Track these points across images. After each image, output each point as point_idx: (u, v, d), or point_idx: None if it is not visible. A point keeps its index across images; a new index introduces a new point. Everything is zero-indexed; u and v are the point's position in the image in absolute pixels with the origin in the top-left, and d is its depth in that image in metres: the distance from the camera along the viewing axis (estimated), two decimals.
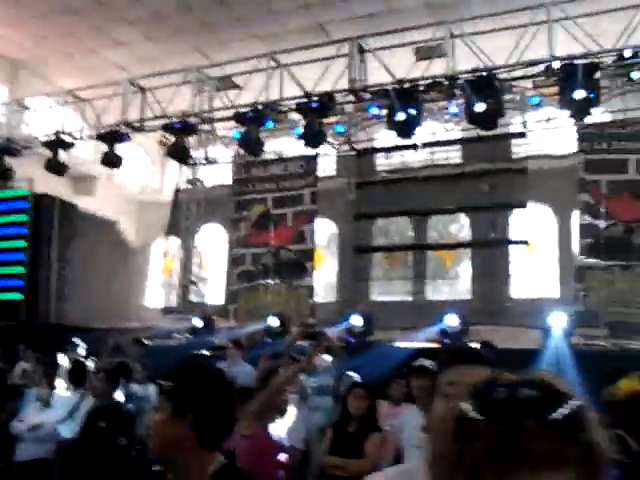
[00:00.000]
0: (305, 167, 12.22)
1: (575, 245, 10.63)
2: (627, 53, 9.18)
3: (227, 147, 13.77)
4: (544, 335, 8.67)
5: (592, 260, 9.87)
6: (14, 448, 6.24)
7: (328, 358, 7.27)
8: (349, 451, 5.13)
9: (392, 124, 10.05)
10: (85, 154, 15.07)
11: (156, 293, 16.34)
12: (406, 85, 9.97)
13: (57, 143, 12.56)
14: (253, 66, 11.53)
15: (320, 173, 12.64)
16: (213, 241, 15.42)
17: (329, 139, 12.33)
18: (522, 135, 12.06)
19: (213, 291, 14.15)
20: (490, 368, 1.65)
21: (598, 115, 10.82)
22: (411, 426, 4.70)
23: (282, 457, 5.08)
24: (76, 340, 9.05)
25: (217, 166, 13.87)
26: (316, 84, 10.69)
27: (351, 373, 6.79)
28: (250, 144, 11.34)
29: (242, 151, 12.02)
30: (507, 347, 7.93)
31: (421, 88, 10.15)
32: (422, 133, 11.45)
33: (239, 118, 11.26)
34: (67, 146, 12.69)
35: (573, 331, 9.00)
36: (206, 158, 13.48)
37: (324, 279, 14.30)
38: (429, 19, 10.97)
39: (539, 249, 13.28)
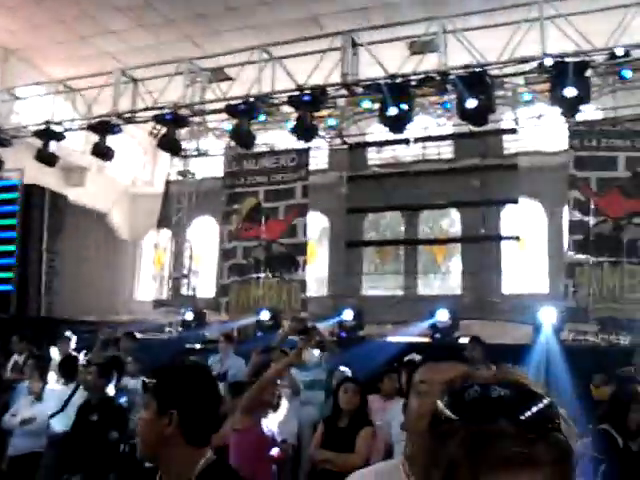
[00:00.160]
0: (297, 160, 12.21)
1: (565, 241, 10.71)
2: (618, 51, 9.23)
3: (219, 139, 13.73)
4: (534, 330, 8.74)
5: (582, 256, 9.97)
6: (6, 442, 6.24)
7: (316, 352, 7.30)
8: (340, 446, 5.15)
9: (384, 119, 10.06)
10: (76, 145, 14.96)
11: (147, 286, 16.30)
12: (398, 80, 9.97)
13: (47, 133, 12.46)
14: (246, 58, 11.49)
15: (312, 167, 12.64)
16: (204, 234, 15.38)
17: (321, 133, 12.32)
18: (513, 131, 12.13)
19: (204, 284, 14.12)
20: (463, 364, 1.68)
21: (589, 112, 10.90)
22: (400, 421, 4.74)
23: (274, 451, 5.12)
24: (67, 333, 9.02)
25: (209, 158, 13.82)
26: (308, 77, 10.67)
27: (343, 368, 6.82)
28: (242, 137, 11.31)
29: (234, 143, 12.00)
30: (497, 342, 8.03)
31: (413, 83, 10.16)
32: (414, 128, 11.46)
33: (231, 110, 11.22)
34: (58, 137, 12.60)
35: (563, 326, 9.08)
36: (197, 150, 13.43)
37: (315, 273, 14.30)
38: (423, 14, 10.95)
39: (529, 245, 13.36)
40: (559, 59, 9.21)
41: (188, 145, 13.12)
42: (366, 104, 11.21)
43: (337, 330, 10.12)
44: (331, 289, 14.45)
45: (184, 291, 13.03)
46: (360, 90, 10.86)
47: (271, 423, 5.13)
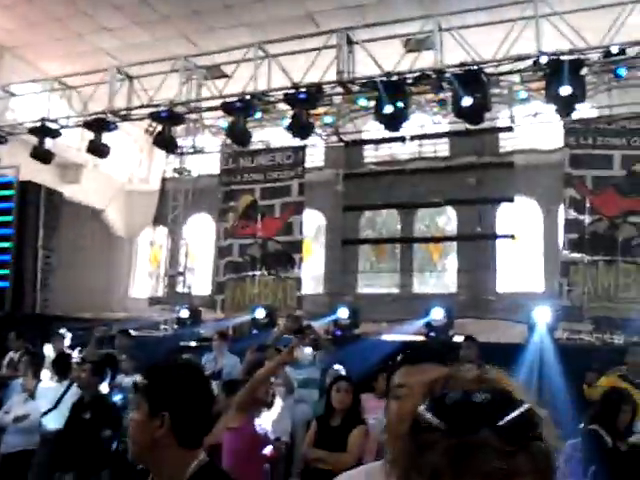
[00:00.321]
0: (293, 158, 12.21)
1: (560, 239, 10.71)
2: (613, 50, 9.23)
3: (215, 136, 13.72)
4: (528, 329, 8.75)
5: (577, 255, 9.97)
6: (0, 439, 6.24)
7: (309, 350, 7.30)
8: (333, 444, 5.15)
9: (380, 116, 10.07)
10: (72, 141, 14.94)
11: (142, 283, 16.28)
12: (394, 78, 9.97)
13: (43, 130, 12.44)
14: (241, 55, 11.48)
15: (308, 164, 12.63)
16: (200, 231, 15.37)
17: (317, 130, 12.32)
18: (509, 129, 12.12)
19: (200, 282, 14.12)
20: (441, 365, 1.66)
21: (585, 110, 10.90)
22: None
23: (267, 450, 5.12)
24: (61, 331, 9.01)
25: (205, 155, 13.81)
26: (304, 75, 10.67)
27: (337, 366, 6.83)
28: (238, 134, 11.31)
29: (230, 141, 12.00)
30: (492, 341, 8.04)
31: (409, 81, 10.16)
32: (410, 126, 11.46)
33: (227, 108, 11.21)
34: (53, 134, 12.58)
35: (557, 325, 9.09)
36: (193, 147, 13.42)
37: (312, 271, 14.31)
38: (418, 12, 10.95)
39: (525, 243, 13.36)
40: (554, 57, 9.21)
41: (184, 142, 13.11)
42: (362, 102, 11.22)
43: (332, 328, 10.13)
44: (327, 287, 14.45)
45: (180, 289, 13.01)
46: (356, 88, 10.86)
47: (265, 421, 5.13)
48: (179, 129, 12.62)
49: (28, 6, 12.99)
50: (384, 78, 9.99)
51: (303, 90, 10.56)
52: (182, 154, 13.30)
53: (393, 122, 10.23)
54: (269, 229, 11.95)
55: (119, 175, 17.61)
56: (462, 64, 9.71)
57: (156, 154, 16.42)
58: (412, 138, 12.39)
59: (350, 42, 10.71)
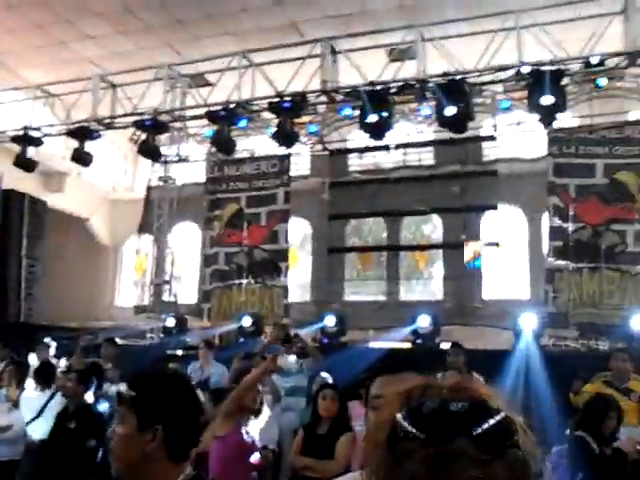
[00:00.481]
0: (278, 166, 12.23)
1: (545, 247, 10.81)
2: (593, 60, 9.36)
3: (200, 145, 13.71)
4: (514, 336, 8.80)
5: (561, 262, 10.06)
6: None
7: (293, 358, 7.30)
8: (320, 452, 5.15)
9: (364, 125, 10.13)
10: (55, 150, 14.84)
11: (128, 292, 16.16)
12: (377, 87, 10.04)
13: (25, 138, 12.37)
14: (226, 64, 11.50)
15: (293, 173, 12.65)
16: (186, 240, 15.31)
17: (302, 139, 12.37)
18: (492, 138, 12.24)
19: (186, 290, 14.06)
20: (418, 375, 1.67)
21: (567, 120, 11.04)
22: None
23: (254, 458, 5.10)
24: (46, 340, 8.92)
25: (189, 164, 13.78)
26: (288, 84, 10.71)
27: (324, 374, 6.83)
28: (222, 143, 11.33)
29: (215, 149, 12.00)
30: (478, 348, 8.08)
31: (392, 90, 10.23)
32: (395, 134, 11.53)
33: (211, 116, 11.23)
34: (36, 142, 12.51)
35: (543, 332, 9.15)
36: (178, 156, 13.39)
37: (298, 279, 14.30)
38: (402, 22, 11.04)
39: (510, 251, 13.46)
40: (536, 67, 9.34)
41: (169, 151, 13.08)
42: (346, 111, 11.27)
43: (319, 336, 10.12)
44: (313, 295, 14.45)
45: (165, 297, 12.94)
46: (340, 97, 10.93)
47: (252, 429, 5.12)
48: (164, 137, 12.61)
49: (8, 13, 12.90)
50: (368, 87, 10.06)
51: (287, 99, 10.61)
52: (167, 162, 13.26)
53: (377, 131, 10.30)
54: (255, 237, 11.94)
55: (103, 184, 17.51)
56: (445, 74, 9.81)
57: (141, 162, 16.38)
58: (397, 147, 12.46)
59: (334, 51, 10.79)
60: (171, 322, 11.25)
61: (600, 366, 6.68)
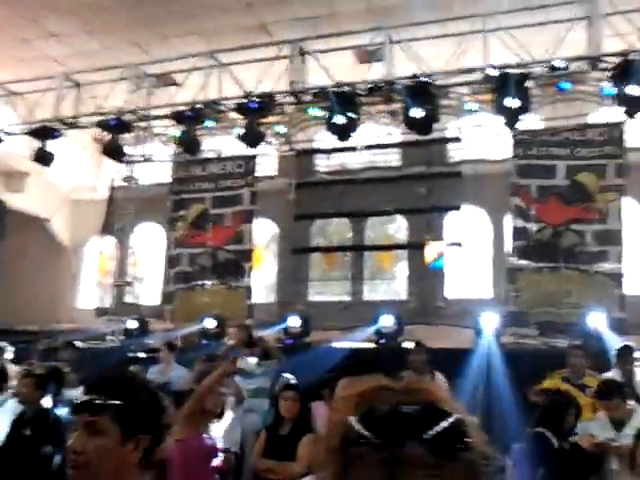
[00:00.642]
0: (244, 167, 12.15)
1: (507, 247, 10.94)
2: (557, 64, 9.51)
3: (165, 145, 13.57)
4: (476, 334, 8.90)
5: (523, 262, 10.19)
6: None
7: (253, 360, 7.24)
8: (282, 454, 5.13)
9: (331, 126, 10.14)
10: (16, 149, 14.52)
11: (89, 294, 15.90)
12: (345, 88, 10.06)
13: None
14: (192, 64, 11.41)
15: (260, 173, 12.60)
16: (150, 241, 15.12)
17: (269, 139, 12.32)
18: (458, 140, 12.36)
19: (149, 292, 13.87)
20: (382, 376, 1.65)
21: (532, 122, 11.20)
22: None
23: (216, 461, 5.04)
24: (2, 344, 8.69)
25: (155, 164, 13.62)
26: (256, 84, 10.66)
27: (287, 375, 6.79)
28: (188, 143, 11.24)
29: (180, 149, 11.89)
30: (441, 347, 8.13)
31: (360, 92, 10.26)
32: (362, 135, 11.56)
33: (177, 116, 11.13)
34: None
35: (504, 331, 9.27)
36: (143, 156, 13.21)
37: (263, 279, 14.24)
38: (370, 24, 11.08)
39: (473, 251, 13.59)
40: (501, 70, 9.46)
41: (133, 151, 12.91)
42: (314, 112, 11.27)
43: (283, 337, 10.08)
44: (278, 295, 14.40)
45: (127, 299, 12.77)
46: (308, 98, 10.92)
47: (215, 432, 5.07)
48: (128, 137, 12.44)
49: None
50: (336, 89, 10.08)
51: (255, 99, 10.56)
52: (131, 162, 13.07)
53: (344, 132, 10.33)
54: (219, 238, 11.83)
55: (65, 183, 17.18)
56: (412, 76, 9.87)
57: (104, 162, 16.11)
58: (364, 148, 12.49)
59: (302, 53, 10.79)
60: (133, 324, 11.10)
61: (559, 363, 6.80)
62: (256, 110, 10.62)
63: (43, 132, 11.78)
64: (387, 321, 9.55)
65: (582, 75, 10.35)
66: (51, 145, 11.98)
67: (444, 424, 0.82)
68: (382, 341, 9.52)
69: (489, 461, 0.87)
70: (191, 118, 10.99)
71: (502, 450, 5.10)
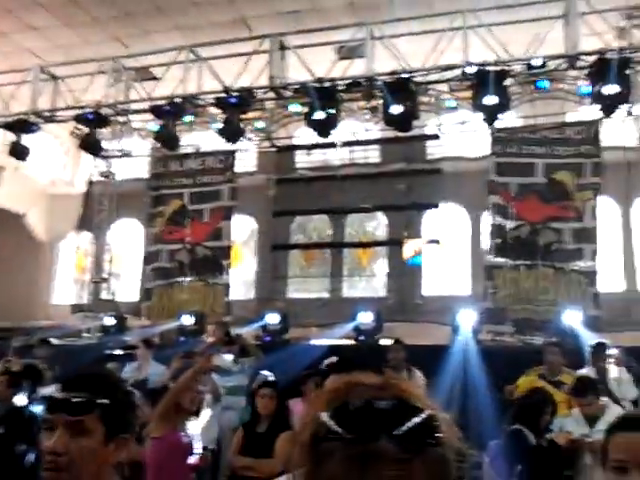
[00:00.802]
0: (223, 162, 12.06)
1: (485, 244, 11.01)
2: (535, 62, 9.58)
3: (143, 140, 13.44)
4: (453, 331, 8.95)
5: (500, 259, 10.26)
6: None
7: (229, 357, 7.22)
8: (259, 451, 5.11)
9: (311, 122, 10.12)
10: None
11: (66, 290, 15.74)
12: (326, 84, 10.04)
13: None
14: (172, 58, 11.31)
15: (240, 169, 12.52)
16: (127, 236, 14.98)
17: (249, 135, 12.26)
18: (437, 137, 12.39)
19: (126, 288, 13.75)
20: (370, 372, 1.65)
21: (510, 120, 11.26)
22: None
23: (193, 459, 5.01)
24: None
25: (133, 159, 13.48)
26: (236, 79, 10.60)
27: (265, 372, 6.77)
28: (166, 138, 11.16)
29: (159, 144, 11.78)
30: (419, 344, 8.16)
31: (340, 88, 10.25)
32: (342, 132, 11.56)
33: (156, 111, 11.03)
34: None
35: (481, 327, 9.33)
36: (121, 150, 13.07)
37: (242, 276, 14.19)
38: (351, 19, 11.07)
39: (452, 248, 13.66)
40: (481, 67, 9.50)
41: (111, 145, 12.77)
42: (294, 107, 11.24)
43: (262, 333, 10.05)
44: (257, 292, 14.36)
45: (104, 295, 12.62)
46: (288, 93, 10.88)
47: (192, 429, 5.04)
48: (106, 132, 12.31)
49: None
50: (316, 84, 10.06)
51: (234, 94, 10.50)
52: (109, 157, 12.93)
53: (324, 128, 10.31)
54: (198, 234, 11.74)
55: (42, 178, 16.97)
56: (392, 72, 9.87)
57: (82, 157, 15.94)
58: (343, 144, 12.49)
59: (283, 47, 10.75)
60: (110, 321, 10.99)
61: (535, 360, 6.86)
62: (235, 105, 10.56)
63: (19, 126, 11.61)
64: (366, 318, 9.56)
65: (560, 73, 10.45)
66: (27, 139, 11.81)
67: (416, 420, 0.83)
68: (361, 338, 9.53)
69: (464, 457, 0.87)
70: (170, 112, 10.91)
71: (478, 446, 5.14)
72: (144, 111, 11.53)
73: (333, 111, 10.08)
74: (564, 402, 5.77)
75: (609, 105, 9.28)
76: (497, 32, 9.70)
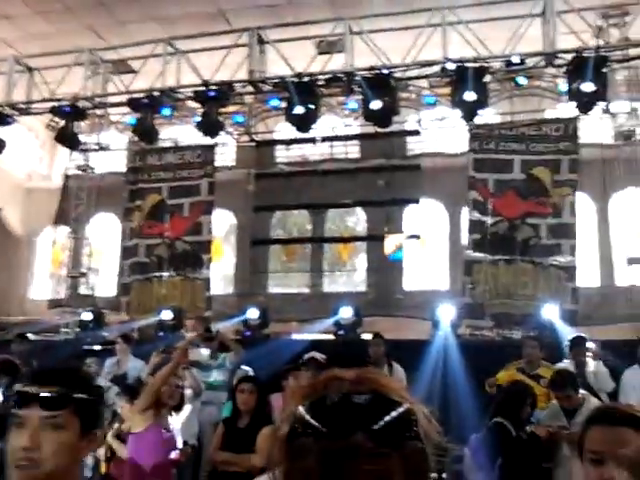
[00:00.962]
0: (203, 157, 11.97)
1: (464, 240, 11.09)
2: (514, 59, 9.66)
3: (121, 133, 13.29)
4: (433, 326, 9.01)
5: (479, 254, 10.34)
6: None
7: (206, 352, 7.20)
8: (240, 446, 5.11)
9: (290, 117, 10.09)
10: None
11: (43, 285, 15.53)
12: (305, 79, 10.01)
13: None
14: (150, 51, 11.19)
15: (219, 163, 12.44)
16: (105, 231, 14.82)
17: (228, 129, 12.19)
18: (417, 133, 12.43)
19: (105, 283, 13.60)
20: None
21: (488, 116, 11.35)
22: None
23: (173, 454, 5.00)
24: None
25: (110, 153, 13.32)
26: (215, 73, 10.53)
27: (245, 367, 6.76)
28: (144, 131, 11.05)
29: (136, 138, 11.67)
30: (399, 338, 8.21)
31: (320, 82, 10.23)
32: (322, 127, 11.54)
33: (133, 104, 10.92)
34: None
35: (460, 322, 9.41)
36: (98, 144, 12.91)
37: (222, 271, 14.12)
38: (330, 14, 11.04)
39: (431, 243, 13.74)
40: (460, 64, 9.55)
41: (88, 139, 12.61)
42: (273, 102, 11.20)
43: (242, 328, 10.02)
44: (237, 287, 14.30)
45: (82, 290, 12.47)
46: (267, 87, 10.84)
47: (173, 424, 5.03)
48: (83, 125, 12.15)
49: None
50: (295, 79, 10.02)
51: (213, 88, 10.43)
52: (86, 151, 12.76)
53: (304, 123, 10.29)
54: (177, 229, 11.65)
55: (18, 172, 16.71)
56: (372, 68, 9.88)
57: (59, 150, 15.70)
58: (323, 139, 12.48)
59: (262, 41, 10.70)
60: (88, 316, 10.88)
61: (514, 354, 6.95)
62: (214, 99, 10.50)
63: None
64: (346, 313, 9.57)
65: (538, 71, 10.55)
66: (3, 132, 11.61)
67: (393, 414, 0.82)
68: (341, 333, 9.55)
69: (444, 451, 0.88)
70: (148, 106, 10.81)
71: (459, 440, 5.20)
72: (122, 104, 11.39)
73: (313, 106, 10.06)
74: (543, 395, 5.85)
75: (586, 103, 9.38)
76: (476, 29, 9.75)
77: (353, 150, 14.27)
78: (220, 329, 8.30)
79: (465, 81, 9.40)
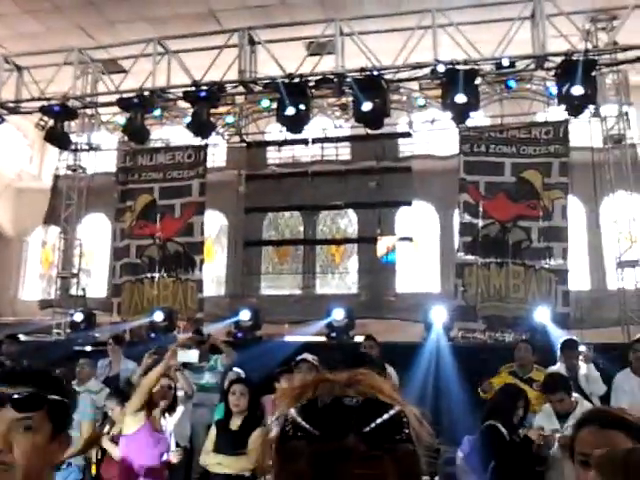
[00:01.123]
0: (194, 157, 11.93)
1: (455, 242, 11.12)
2: (504, 62, 9.70)
3: (112, 133, 13.23)
4: (425, 329, 9.03)
5: (470, 257, 10.37)
6: None
7: (195, 353, 7.18)
8: (233, 448, 5.11)
9: (281, 118, 10.08)
10: None
11: (33, 286, 15.44)
12: (296, 80, 10.00)
13: None
14: (140, 50, 11.15)
15: (210, 164, 12.40)
16: (96, 232, 14.75)
17: (219, 130, 12.17)
18: (408, 135, 12.46)
19: (96, 284, 13.54)
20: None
21: (479, 119, 11.40)
22: None
23: (165, 456, 4.99)
24: None
25: (101, 153, 13.26)
26: (205, 73, 10.51)
27: (236, 369, 6.75)
28: (135, 131, 10.98)
29: (127, 138, 11.62)
30: (391, 340, 8.22)
31: (311, 84, 10.22)
32: (313, 128, 11.53)
33: (123, 104, 10.86)
34: None
35: (452, 325, 9.44)
36: (89, 144, 12.85)
37: (213, 272, 14.09)
38: (321, 15, 11.06)
39: (423, 245, 13.78)
40: (450, 66, 9.57)
41: (79, 139, 12.54)
42: (264, 103, 11.19)
43: (234, 330, 10.00)
44: (229, 289, 14.27)
45: (73, 291, 12.38)
46: (258, 88, 10.82)
47: (166, 426, 5.02)
48: (74, 124, 12.08)
49: None
50: (286, 80, 10.01)
51: (204, 88, 10.40)
52: (77, 150, 12.69)
53: (295, 124, 10.28)
54: (169, 230, 11.60)
55: (8, 171, 16.61)
56: (362, 69, 9.89)
57: (49, 150, 15.62)
58: (314, 141, 12.48)
59: (252, 42, 10.68)
60: (79, 317, 10.82)
61: (506, 357, 6.97)
62: (205, 99, 10.45)
63: None
64: (338, 315, 9.56)
65: (528, 74, 10.61)
66: None
67: (385, 416, 0.82)
68: (333, 335, 9.55)
69: (436, 453, 0.88)
70: (138, 105, 10.74)
71: (452, 442, 5.22)
72: (112, 104, 11.33)
73: (304, 107, 10.05)
74: (535, 399, 5.86)
75: (576, 106, 9.44)
76: (466, 31, 9.79)
77: (344, 152, 14.30)
78: (211, 332, 8.28)
79: (456, 83, 9.41)
